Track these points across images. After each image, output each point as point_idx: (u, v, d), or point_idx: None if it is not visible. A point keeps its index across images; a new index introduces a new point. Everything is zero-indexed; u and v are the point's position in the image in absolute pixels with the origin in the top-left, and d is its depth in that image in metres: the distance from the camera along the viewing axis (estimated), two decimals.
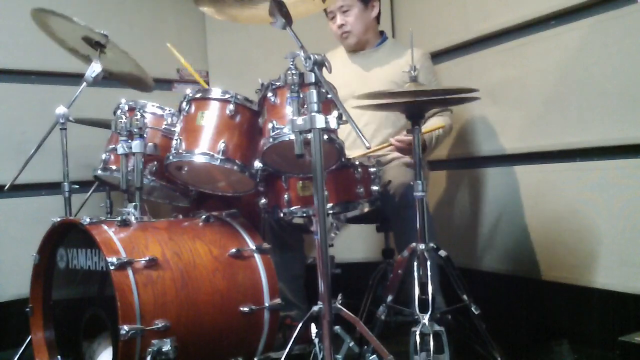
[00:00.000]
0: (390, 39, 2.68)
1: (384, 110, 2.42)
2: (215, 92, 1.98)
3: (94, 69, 2.31)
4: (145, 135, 2.01)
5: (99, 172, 2.23)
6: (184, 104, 2.00)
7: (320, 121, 1.52)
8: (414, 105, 1.96)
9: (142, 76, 2.45)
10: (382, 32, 2.64)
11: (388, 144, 2.32)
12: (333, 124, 1.55)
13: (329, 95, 1.55)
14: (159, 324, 1.70)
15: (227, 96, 1.95)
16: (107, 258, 1.69)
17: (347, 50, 2.62)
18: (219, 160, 1.89)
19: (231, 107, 1.93)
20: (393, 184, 2.19)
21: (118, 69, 2.46)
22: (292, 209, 2.00)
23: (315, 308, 1.65)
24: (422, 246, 1.94)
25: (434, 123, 2.40)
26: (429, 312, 1.84)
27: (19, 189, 2.51)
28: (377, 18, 2.59)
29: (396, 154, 2.42)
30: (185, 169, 2.04)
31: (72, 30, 2.29)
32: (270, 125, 1.79)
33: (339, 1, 2.46)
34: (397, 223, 2.25)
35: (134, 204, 1.96)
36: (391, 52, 2.56)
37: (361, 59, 2.59)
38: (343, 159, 1.89)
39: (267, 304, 1.94)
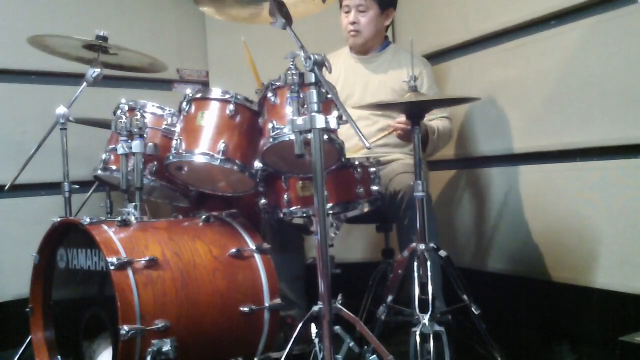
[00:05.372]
0: (393, 44, 2.68)
1: (384, 111, 2.43)
2: (215, 92, 1.98)
3: (94, 69, 2.31)
4: (145, 135, 2.02)
5: (99, 172, 2.23)
6: (184, 104, 2.00)
7: (320, 121, 1.52)
8: (414, 106, 1.96)
9: (151, 62, 2.45)
10: (385, 37, 2.64)
11: (390, 129, 2.28)
12: (333, 124, 1.55)
13: (329, 95, 1.55)
14: (159, 324, 1.70)
15: (227, 96, 1.95)
16: (107, 258, 1.69)
17: (351, 47, 2.61)
18: (219, 160, 1.89)
19: (231, 107, 1.93)
20: (402, 192, 2.18)
21: (127, 63, 2.48)
22: (292, 209, 2.00)
23: (315, 308, 1.65)
24: (422, 246, 1.94)
25: (433, 123, 2.40)
26: (429, 312, 1.84)
27: (19, 189, 2.52)
28: (387, 27, 2.60)
29: (396, 155, 2.43)
30: (185, 169, 2.04)
31: (72, 42, 2.29)
32: (270, 125, 1.79)
33: None
34: (403, 224, 2.24)
35: (134, 204, 1.96)
36: (393, 59, 2.56)
37: (363, 64, 2.58)
38: (343, 159, 1.89)
39: (267, 304, 1.94)
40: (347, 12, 2.51)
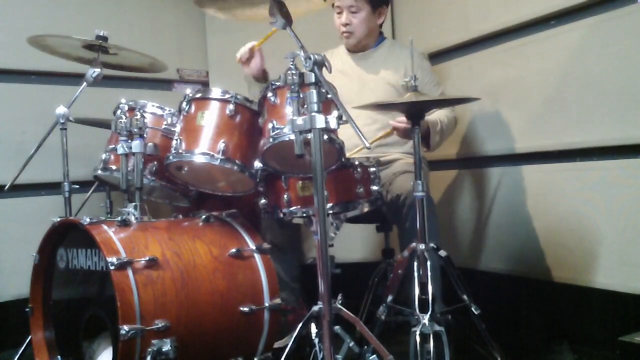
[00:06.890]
0: (389, 39, 2.68)
1: (383, 111, 2.43)
2: (215, 92, 1.98)
3: (94, 68, 2.32)
4: (145, 135, 2.01)
5: (99, 172, 2.23)
6: (184, 104, 2.00)
7: (320, 121, 1.52)
8: (414, 106, 1.96)
9: (151, 62, 2.45)
10: (380, 33, 2.64)
11: (390, 129, 2.28)
12: (333, 124, 1.55)
13: (329, 95, 1.55)
14: (159, 324, 1.70)
15: (227, 96, 1.95)
16: (107, 258, 1.69)
17: (346, 48, 2.61)
18: (218, 160, 1.89)
19: (231, 107, 1.93)
20: (404, 195, 2.17)
21: (127, 63, 2.48)
22: (292, 209, 1.99)
23: (315, 308, 1.65)
24: (422, 246, 1.94)
25: (437, 114, 2.38)
26: (429, 312, 1.84)
27: (19, 189, 2.51)
28: (382, 24, 2.60)
29: (396, 155, 2.43)
30: (185, 169, 2.04)
31: (72, 42, 2.29)
32: (270, 125, 1.79)
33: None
34: (404, 227, 2.23)
35: (134, 204, 1.96)
36: (389, 54, 2.55)
37: (359, 61, 2.58)
38: (343, 159, 1.89)
39: (267, 304, 1.94)
40: (339, 13, 2.50)
